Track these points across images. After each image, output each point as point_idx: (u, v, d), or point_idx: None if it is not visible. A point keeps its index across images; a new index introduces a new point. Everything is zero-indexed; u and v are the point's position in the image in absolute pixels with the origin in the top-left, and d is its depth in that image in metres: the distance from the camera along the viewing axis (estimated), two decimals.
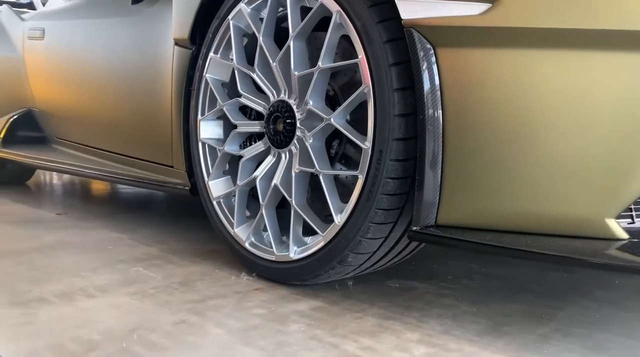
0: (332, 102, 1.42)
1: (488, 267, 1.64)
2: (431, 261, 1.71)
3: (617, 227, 0.96)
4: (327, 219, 1.31)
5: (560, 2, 0.95)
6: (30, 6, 3.96)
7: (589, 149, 0.96)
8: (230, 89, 1.59)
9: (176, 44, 1.73)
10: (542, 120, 0.98)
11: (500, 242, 1.03)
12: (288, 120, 1.38)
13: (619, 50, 0.91)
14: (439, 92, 1.07)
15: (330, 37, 1.26)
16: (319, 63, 1.27)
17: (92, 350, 1.01)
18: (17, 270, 1.54)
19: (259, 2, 1.44)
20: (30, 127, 2.88)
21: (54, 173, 4.24)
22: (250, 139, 1.59)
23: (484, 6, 1.01)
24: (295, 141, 1.37)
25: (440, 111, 1.07)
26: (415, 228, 1.12)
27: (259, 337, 1.08)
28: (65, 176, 4.13)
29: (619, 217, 0.97)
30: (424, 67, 1.07)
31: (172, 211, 2.75)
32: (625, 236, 0.96)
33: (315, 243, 1.31)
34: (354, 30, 1.20)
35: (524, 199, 1.02)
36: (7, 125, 2.93)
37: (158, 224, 2.27)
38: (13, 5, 3.88)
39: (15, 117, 2.90)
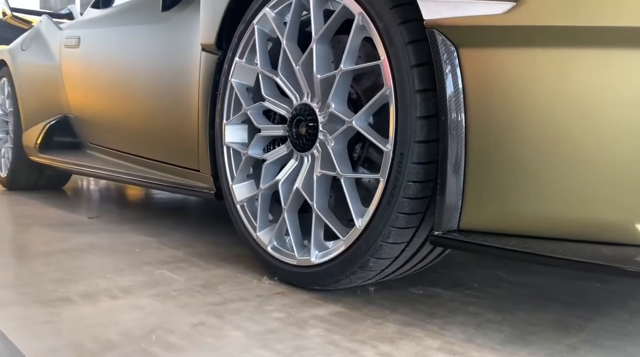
0: (356, 105, 1.41)
1: (517, 275, 1.60)
2: (458, 268, 1.67)
3: None
4: (349, 223, 1.30)
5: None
6: (70, 16, 4.08)
7: (618, 151, 0.92)
8: (255, 93, 1.59)
9: (203, 49, 1.75)
10: (568, 121, 0.95)
11: (524, 248, 1.00)
12: (310, 124, 1.37)
13: None
14: (461, 94, 1.04)
15: (352, 39, 1.25)
16: (341, 65, 1.27)
17: (110, 349, 1.01)
18: (46, 270, 1.57)
19: (283, 6, 1.44)
20: (65, 133, 2.96)
21: (90, 178, 4.34)
22: (274, 142, 1.59)
23: (507, 5, 0.98)
24: (318, 144, 1.36)
25: (463, 113, 1.04)
26: (437, 233, 1.10)
27: (276, 341, 1.07)
28: (102, 181, 4.23)
29: None
30: (446, 68, 1.05)
31: (201, 215, 2.78)
32: None
33: (336, 247, 1.30)
34: (376, 32, 1.19)
35: (550, 203, 0.98)
36: (44, 131, 3.01)
37: (187, 227, 2.29)
38: (53, 16, 4.01)
39: (51, 123, 2.98)
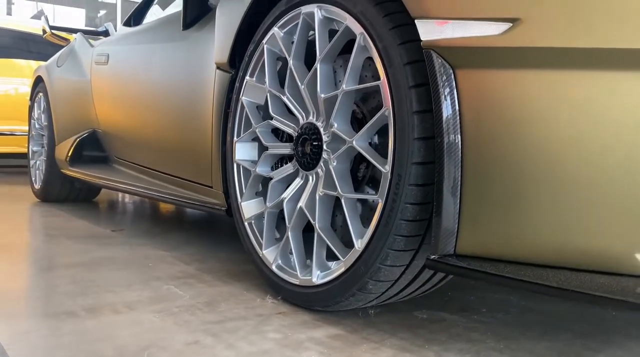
0: (361, 125, 1.39)
1: (528, 300, 1.54)
2: (468, 291, 1.63)
3: None
4: (351, 243, 1.28)
5: (586, 20, 0.89)
6: (106, 34, 4.21)
7: (618, 177, 0.89)
8: (265, 111, 1.60)
9: (218, 67, 1.77)
10: (565, 145, 0.92)
11: (520, 276, 0.97)
12: (315, 143, 1.37)
13: None
14: (458, 116, 1.02)
15: (354, 59, 1.25)
16: (343, 85, 1.26)
17: None
18: (59, 283, 1.60)
19: (290, 26, 1.45)
20: (94, 147, 3.04)
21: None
22: (282, 161, 1.60)
23: (504, 26, 0.96)
24: (322, 163, 1.35)
25: (459, 135, 1.02)
26: (433, 257, 1.07)
27: None
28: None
29: None
30: (443, 89, 1.04)
31: (219, 230, 2.80)
32: None
33: (337, 268, 1.29)
34: (376, 53, 1.18)
35: (547, 230, 0.95)
36: (74, 145, 3.10)
37: (203, 242, 2.31)
38: (91, 33, 4.15)
39: (81, 137, 3.07)
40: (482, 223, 1.02)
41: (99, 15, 15.28)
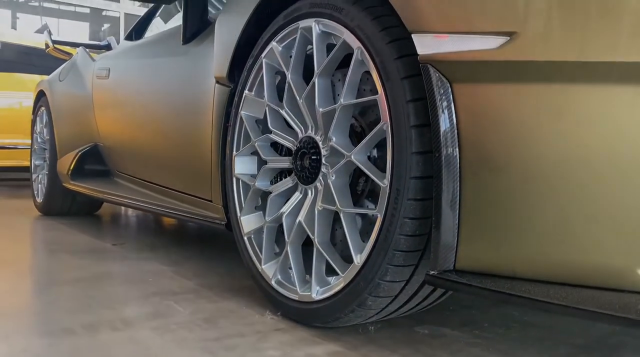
0: (360, 139, 1.39)
1: (530, 315, 1.52)
2: (471, 306, 1.61)
3: None
4: (351, 258, 1.27)
5: (583, 33, 0.88)
6: (108, 47, 4.23)
7: (618, 190, 0.88)
8: (264, 125, 1.60)
9: (217, 81, 1.77)
10: (563, 159, 0.90)
11: (520, 292, 0.95)
12: (314, 157, 1.36)
13: None
14: (456, 129, 1.01)
15: (351, 74, 1.24)
16: (341, 99, 1.26)
17: None
18: (57, 299, 1.59)
19: (289, 40, 1.45)
20: (96, 161, 3.04)
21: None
22: (282, 175, 1.59)
23: (501, 39, 0.96)
24: (321, 178, 1.34)
25: (457, 149, 1.01)
26: (432, 272, 1.06)
27: None
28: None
29: None
30: (439, 103, 1.03)
31: (219, 244, 2.79)
32: None
33: (336, 284, 1.27)
34: (373, 67, 1.17)
35: (546, 245, 0.93)
36: (75, 159, 3.10)
37: (204, 257, 2.30)
38: (93, 47, 4.17)
39: (82, 151, 3.07)
40: (481, 238, 1.00)
41: (102, 29, 15.38)
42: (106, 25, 15.55)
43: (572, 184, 0.90)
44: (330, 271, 1.32)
